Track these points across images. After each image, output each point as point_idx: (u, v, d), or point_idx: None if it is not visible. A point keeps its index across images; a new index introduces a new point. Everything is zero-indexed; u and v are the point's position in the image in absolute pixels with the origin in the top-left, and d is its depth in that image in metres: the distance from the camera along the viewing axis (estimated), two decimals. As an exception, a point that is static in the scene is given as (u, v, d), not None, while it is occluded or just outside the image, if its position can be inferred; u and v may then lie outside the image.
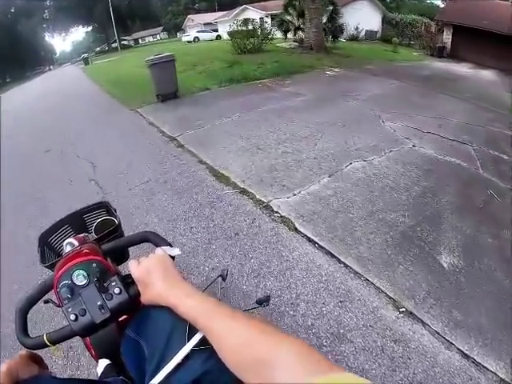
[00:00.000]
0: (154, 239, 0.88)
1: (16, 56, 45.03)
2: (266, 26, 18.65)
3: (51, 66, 54.46)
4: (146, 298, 0.72)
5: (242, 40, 15.56)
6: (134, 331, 0.75)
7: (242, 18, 33.49)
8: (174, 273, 0.73)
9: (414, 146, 5.04)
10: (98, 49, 48.64)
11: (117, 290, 0.71)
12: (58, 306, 0.76)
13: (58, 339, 0.70)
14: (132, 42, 52.01)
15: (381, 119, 6.33)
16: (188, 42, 34.37)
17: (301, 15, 18.08)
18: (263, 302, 1.21)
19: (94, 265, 0.78)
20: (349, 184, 3.91)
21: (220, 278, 1.40)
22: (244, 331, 0.57)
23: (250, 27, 16.66)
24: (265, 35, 16.61)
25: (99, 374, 1.02)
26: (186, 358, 0.64)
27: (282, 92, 8.58)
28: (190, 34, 37.02)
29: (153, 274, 0.71)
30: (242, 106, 7.21)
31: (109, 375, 0.94)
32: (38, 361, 0.75)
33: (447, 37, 21.98)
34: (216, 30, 37.39)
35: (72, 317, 0.67)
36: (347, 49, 17.91)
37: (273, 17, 28.58)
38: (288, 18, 19.49)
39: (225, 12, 38.70)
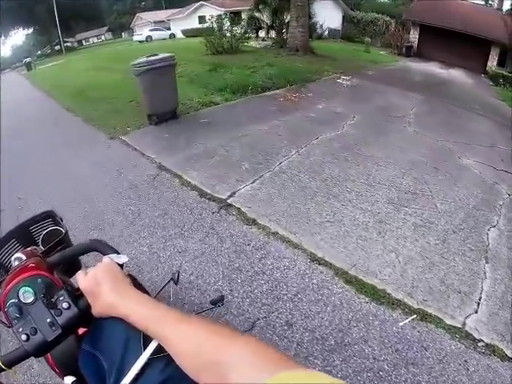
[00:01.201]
0: (100, 248, 0.79)
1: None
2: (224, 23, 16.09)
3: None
4: (97, 310, 0.64)
5: (217, 39, 13.17)
6: (90, 345, 0.69)
7: (197, 15, 31.02)
8: (122, 281, 0.65)
9: (509, 195, 4.07)
10: (40, 52, 42.42)
11: (65, 305, 0.63)
12: (9, 327, 0.68)
13: (12, 361, 0.62)
14: (76, 44, 46.04)
15: (452, 152, 5.12)
16: (140, 41, 30.48)
17: (274, 13, 16.09)
18: (217, 302, 1.11)
19: (40, 280, 0.68)
20: (507, 270, 2.78)
21: (172, 282, 1.22)
22: (196, 334, 0.53)
23: (225, 25, 14.30)
24: (242, 33, 14.40)
25: None
26: (145, 367, 0.60)
27: (316, 111, 6.54)
28: (143, 33, 32.60)
29: (101, 284, 0.64)
30: (285, 135, 5.10)
31: None
32: None
33: (414, 36, 21.26)
34: (169, 29, 34.03)
35: (23, 337, 0.60)
36: (322, 49, 16.17)
37: (232, 14, 26.34)
38: (257, 15, 17.32)
39: (177, 9, 35.47)
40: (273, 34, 17.38)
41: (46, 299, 0.63)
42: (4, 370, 0.62)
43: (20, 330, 0.61)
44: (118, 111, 6.48)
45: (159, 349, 0.59)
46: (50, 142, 5.60)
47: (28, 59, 26.76)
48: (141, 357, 0.60)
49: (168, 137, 5.16)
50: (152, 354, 0.60)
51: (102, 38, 51.52)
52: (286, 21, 15.14)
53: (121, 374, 0.60)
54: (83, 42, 49.22)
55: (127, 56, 15.84)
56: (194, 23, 30.14)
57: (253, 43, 17.26)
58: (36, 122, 7.06)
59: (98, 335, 0.67)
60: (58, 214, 1.20)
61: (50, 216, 1.22)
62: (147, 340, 0.61)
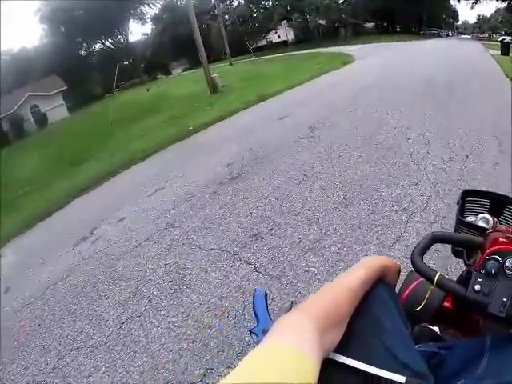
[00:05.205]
0: None
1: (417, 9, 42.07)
2: None
3: (450, 32, 48.91)
4: None
5: None
6: (489, 344, 0.58)
7: None
8: None
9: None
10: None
11: None
12: (467, 265, 0.71)
13: (442, 286, 0.61)
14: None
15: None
16: None
17: None
18: None
19: None
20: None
21: None
22: None
23: None
24: None
25: None
26: None
27: None
28: None
29: None
30: None
31: None
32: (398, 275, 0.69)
33: None
34: None
35: (476, 287, 0.58)
36: None
37: None
38: None
39: None
40: None
41: None
42: (431, 281, 0.61)
43: (479, 279, 0.59)
44: None
45: None
46: None
47: (508, 38, 16.60)
48: None
49: None
50: None
51: None
52: None
53: None
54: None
55: None
56: None
57: None
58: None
59: (507, 347, 0.57)
60: None
61: None
62: None
